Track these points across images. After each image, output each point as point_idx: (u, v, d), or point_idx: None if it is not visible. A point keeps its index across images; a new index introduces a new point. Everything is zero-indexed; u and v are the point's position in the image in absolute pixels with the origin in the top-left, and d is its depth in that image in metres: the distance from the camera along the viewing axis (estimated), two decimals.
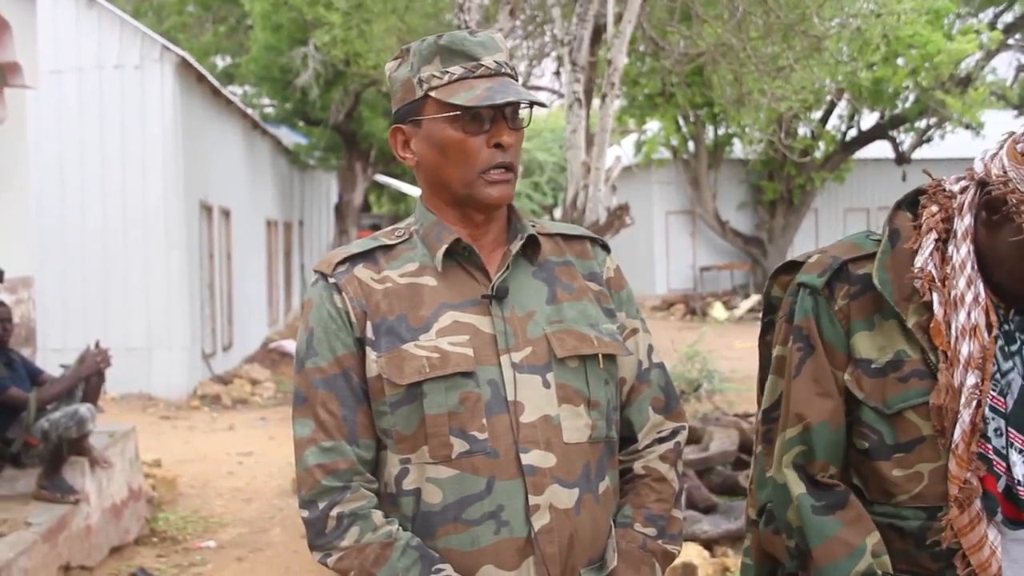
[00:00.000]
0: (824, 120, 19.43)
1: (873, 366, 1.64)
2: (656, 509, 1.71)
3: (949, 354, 1.59)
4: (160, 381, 11.10)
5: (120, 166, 10.98)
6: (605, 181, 6.56)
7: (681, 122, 19.28)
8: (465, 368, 1.59)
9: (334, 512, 1.59)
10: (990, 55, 17.46)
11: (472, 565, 1.58)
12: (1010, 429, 1.59)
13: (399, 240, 1.70)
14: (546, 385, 1.62)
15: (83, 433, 5.28)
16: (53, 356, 8.31)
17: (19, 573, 4.42)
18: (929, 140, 19.93)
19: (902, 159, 20.62)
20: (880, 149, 21.76)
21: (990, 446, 1.58)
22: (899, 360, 1.63)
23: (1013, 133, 1.64)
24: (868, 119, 20.38)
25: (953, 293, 1.60)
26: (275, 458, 8.33)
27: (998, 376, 1.59)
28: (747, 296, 21.12)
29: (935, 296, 1.62)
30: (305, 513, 1.61)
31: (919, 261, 1.64)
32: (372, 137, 18.37)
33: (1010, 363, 1.60)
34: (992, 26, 17.33)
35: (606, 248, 1.81)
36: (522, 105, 1.65)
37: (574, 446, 1.62)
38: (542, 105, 1.70)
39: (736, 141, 20.34)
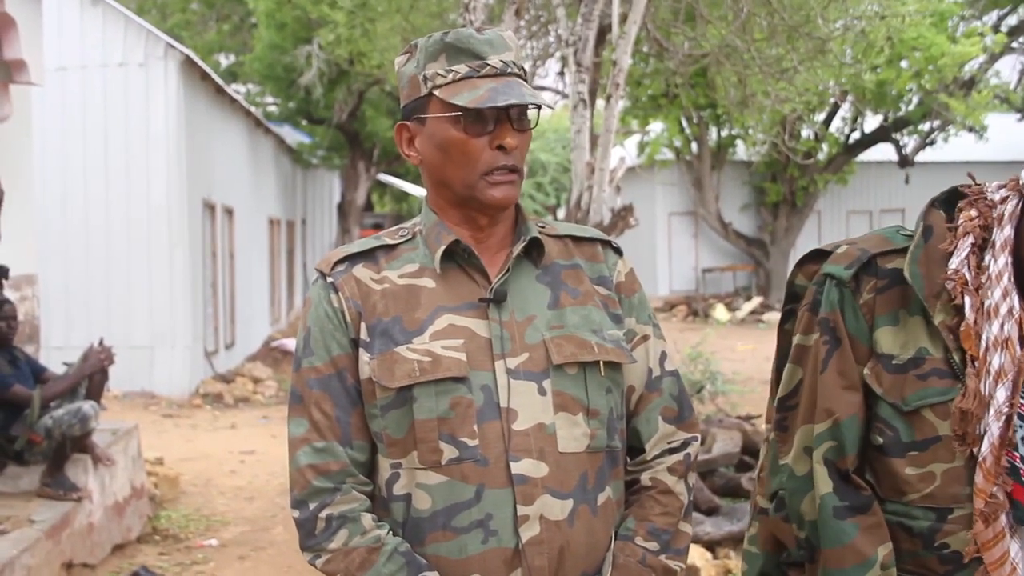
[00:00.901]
0: (827, 122, 19.44)
1: (894, 362, 1.62)
2: (660, 523, 1.66)
3: (978, 362, 1.57)
4: (162, 379, 11.11)
5: (124, 164, 10.99)
6: (609, 182, 6.56)
7: (684, 123, 19.28)
8: (457, 373, 1.55)
9: (323, 514, 1.57)
10: (994, 58, 17.45)
11: (460, 573, 1.55)
12: None
13: (402, 240, 1.67)
14: (541, 392, 1.58)
15: (86, 431, 5.28)
16: (56, 354, 8.32)
17: (22, 570, 4.43)
18: (932, 143, 19.93)
19: (905, 162, 20.62)
20: (883, 152, 21.76)
21: (1018, 454, 1.57)
22: (920, 358, 1.61)
23: None
24: (871, 121, 20.38)
25: (987, 303, 1.58)
26: (277, 457, 8.34)
27: None
28: (749, 298, 21.12)
29: (967, 300, 1.59)
30: (296, 513, 1.60)
31: (954, 263, 1.61)
32: (375, 136, 18.38)
33: None
34: (996, 29, 17.31)
35: (618, 251, 1.76)
36: (529, 106, 1.60)
37: (570, 456, 1.58)
38: (548, 107, 1.66)
39: (739, 142, 20.35)
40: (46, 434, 5.15)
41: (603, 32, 7.29)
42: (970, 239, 1.62)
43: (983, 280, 1.60)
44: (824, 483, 1.65)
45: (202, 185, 11.84)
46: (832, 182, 20.85)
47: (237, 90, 18.94)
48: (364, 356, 1.59)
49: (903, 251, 1.66)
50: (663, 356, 1.74)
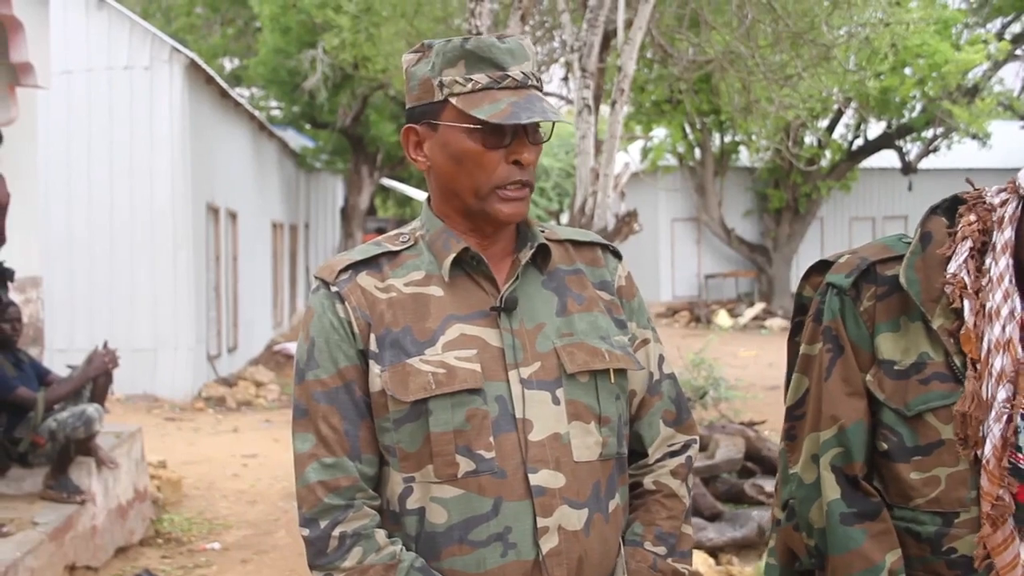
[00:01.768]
0: (831, 129, 19.44)
1: (896, 367, 1.64)
2: (667, 527, 1.66)
3: (979, 365, 1.58)
4: (165, 382, 11.12)
5: (128, 167, 11.01)
6: (614, 187, 6.57)
7: (688, 129, 19.30)
8: (472, 384, 1.52)
9: (336, 531, 1.53)
10: (997, 65, 17.47)
11: None
12: None
13: (404, 246, 1.63)
14: (556, 402, 1.56)
15: (90, 433, 5.29)
16: (59, 356, 8.33)
17: (25, 572, 4.43)
18: (936, 150, 19.93)
19: (908, 169, 20.62)
20: (886, 158, 21.77)
21: (1020, 455, 1.57)
22: (922, 362, 1.62)
23: None
24: (875, 128, 20.38)
25: (989, 306, 1.59)
26: (279, 460, 8.34)
27: None
28: (752, 304, 21.11)
29: (967, 304, 1.60)
30: (306, 532, 1.55)
31: (952, 267, 1.63)
32: (379, 141, 18.40)
33: None
34: (1000, 36, 17.34)
35: (618, 255, 1.74)
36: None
37: (584, 465, 1.56)
38: (566, 123, 1.62)
39: (742, 149, 20.36)
40: (50, 437, 5.16)
41: (608, 38, 7.30)
42: (968, 243, 1.63)
43: (983, 283, 1.60)
44: (832, 489, 1.65)
45: (206, 189, 11.85)
46: (835, 189, 20.86)
47: (241, 94, 18.98)
48: (375, 368, 1.55)
49: (902, 258, 1.67)
50: (661, 359, 1.74)
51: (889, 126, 19.55)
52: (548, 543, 1.52)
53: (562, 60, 9.22)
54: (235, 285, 13.37)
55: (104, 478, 5.62)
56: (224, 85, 12.78)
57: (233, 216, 13.34)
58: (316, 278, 1.63)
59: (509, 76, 1.54)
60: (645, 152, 20.39)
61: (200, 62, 11.69)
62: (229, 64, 21.18)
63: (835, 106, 14.02)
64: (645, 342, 1.72)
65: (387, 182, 22.86)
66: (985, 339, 1.58)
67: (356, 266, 1.60)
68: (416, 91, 1.61)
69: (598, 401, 1.59)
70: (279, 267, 17.18)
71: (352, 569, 1.52)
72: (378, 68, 11.30)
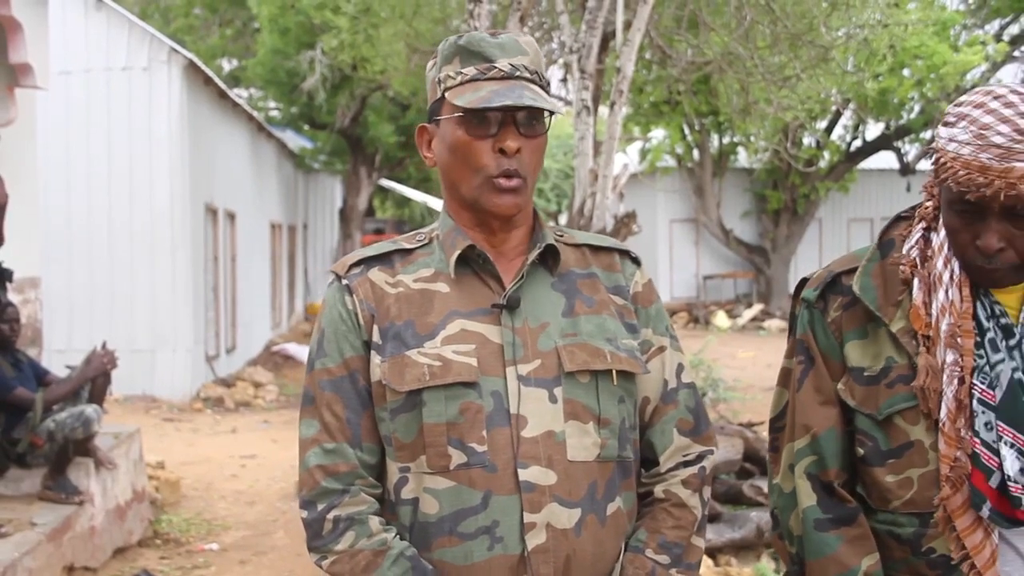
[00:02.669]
0: (829, 130, 19.45)
1: (866, 374, 1.67)
2: (672, 536, 1.64)
3: (931, 335, 1.62)
4: (163, 383, 11.12)
5: (127, 167, 11.01)
6: (612, 188, 6.57)
7: (686, 130, 19.30)
8: (467, 378, 1.55)
9: (331, 515, 1.57)
10: (996, 67, 17.45)
11: None
12: (999, 423, 1.59)
13: (419, 245, 1.68)
14: (552, 400, 1.57)
15: (89, 434, 5.29)
16: (58, 357, 8.32)
17: (24, 573, 4.43)
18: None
19: (907, 170, 20.63)
20: (885, 160, 21.79)
21: (978, 440, 1.59)
22: (888, 367, 1.66)
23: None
24: (873, 129, 20.40)
25: (932, 274, 1.64)
26: (278, 461, 8.34)
27: (987, 369, 1.60)
28: (750, 305, 21.13)
29: (915, 280, 1.65)
30: (304, 514, 1.60)
31: (905, 247, 1.68)
32: (377, 141, 18.39)
33: (1001, 355, 1.60)
34: (998, 38, 17.34)
35: (636, 262, 1.75)
36: (545, 113, 1.61)
37: (579, 464, 1.56)
38: (556, 112, 1.64)
39: (741, 150, 20.36)
40: (48, 437, 5.16)
41: (606, 39, 7.31)
42: (922, 225, 1.68)
43: (928, 254, 1.66)
44: (807, 496, 1.69)
45: (204, 189, 11.85)
46: (833, 190, 20.87)
47: (240, 95, 18.97)
48: (375, 359, 1.59)
49: None
50: (680, 368, 1.72)
51: (887, 127, 19.56)
52: (535, 539, 1.53)
53: (561, 61, 9.22)
54: (233, 286, 13.37)
55: (102, 479, 5.61)
56: (223, 86, 12.78)
57: (231, 217, 13.34)
58: (331, 272, 1.69)
59: (496, 67, 1.59)
60: (644, 153, 20.38)
61: (199, 63, 11.69)
62: (228, 65, 21.16)
63: (833, 107, 14.02)
64: (661, 349, 1.71)
65: (386, 183, 22.84)
66: (933, 307, 1.62)
67: (368, 261, 1.66)
68: (428, 93, 1.68)
69: (598, 402, 1.60)
70: (277, 268, 17.18)
71: (343, 552, 1.56)
72: (377, 69, 11.29)
